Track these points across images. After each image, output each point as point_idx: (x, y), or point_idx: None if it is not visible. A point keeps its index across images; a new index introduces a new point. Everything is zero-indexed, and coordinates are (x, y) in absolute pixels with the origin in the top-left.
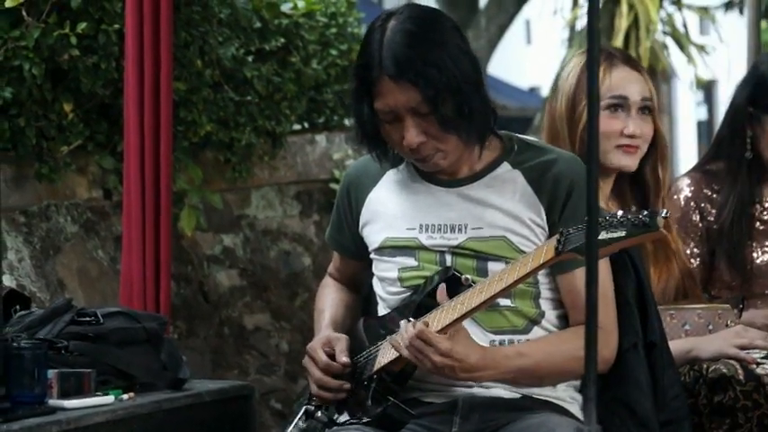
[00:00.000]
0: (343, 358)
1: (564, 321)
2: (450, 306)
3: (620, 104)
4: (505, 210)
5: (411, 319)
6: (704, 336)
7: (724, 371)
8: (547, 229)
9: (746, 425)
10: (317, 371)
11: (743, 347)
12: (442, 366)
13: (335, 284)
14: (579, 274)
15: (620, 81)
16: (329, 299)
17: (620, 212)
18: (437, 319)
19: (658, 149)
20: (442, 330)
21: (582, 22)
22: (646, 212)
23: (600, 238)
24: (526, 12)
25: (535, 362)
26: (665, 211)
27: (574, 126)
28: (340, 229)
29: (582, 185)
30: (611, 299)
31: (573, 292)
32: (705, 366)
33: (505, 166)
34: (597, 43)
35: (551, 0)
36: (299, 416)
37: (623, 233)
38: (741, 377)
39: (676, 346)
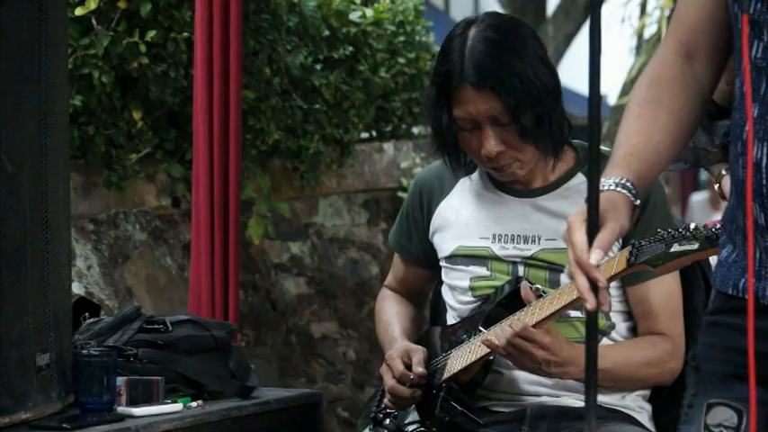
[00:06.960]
0: (419, 369)
1: (633, 333)
2: (524, 313)
3: None
4: None
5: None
6: None
7: None
8: (620, 242)
9: None
10: (392, 379)
11: None
12: (543, 361)
13: (396, 296)
14: (651, 285)
15: None
16: (394, 312)
17: (692, 225)
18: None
19: None
20: None
21: (650, 31)
22: (719, 226)
23: (673, 250)
24: None
25: (614, 363)
26: None
27: None
28: (409, 234)
29: (657, 198)
30: (680, 310)
31: (644, 303)
32: None
33: (580, 177)
34: (599, 42)
35: (619, 8)
36: (367, 424)
37: (696, 245)
38: None
39: None
